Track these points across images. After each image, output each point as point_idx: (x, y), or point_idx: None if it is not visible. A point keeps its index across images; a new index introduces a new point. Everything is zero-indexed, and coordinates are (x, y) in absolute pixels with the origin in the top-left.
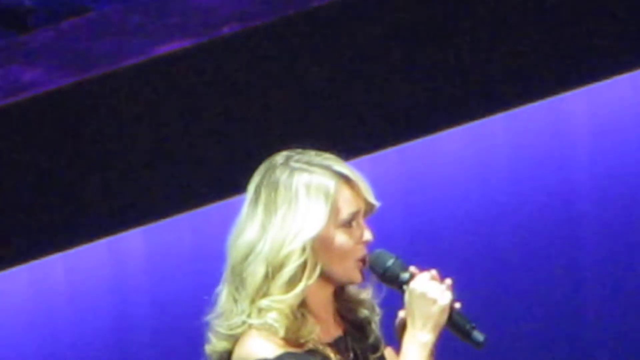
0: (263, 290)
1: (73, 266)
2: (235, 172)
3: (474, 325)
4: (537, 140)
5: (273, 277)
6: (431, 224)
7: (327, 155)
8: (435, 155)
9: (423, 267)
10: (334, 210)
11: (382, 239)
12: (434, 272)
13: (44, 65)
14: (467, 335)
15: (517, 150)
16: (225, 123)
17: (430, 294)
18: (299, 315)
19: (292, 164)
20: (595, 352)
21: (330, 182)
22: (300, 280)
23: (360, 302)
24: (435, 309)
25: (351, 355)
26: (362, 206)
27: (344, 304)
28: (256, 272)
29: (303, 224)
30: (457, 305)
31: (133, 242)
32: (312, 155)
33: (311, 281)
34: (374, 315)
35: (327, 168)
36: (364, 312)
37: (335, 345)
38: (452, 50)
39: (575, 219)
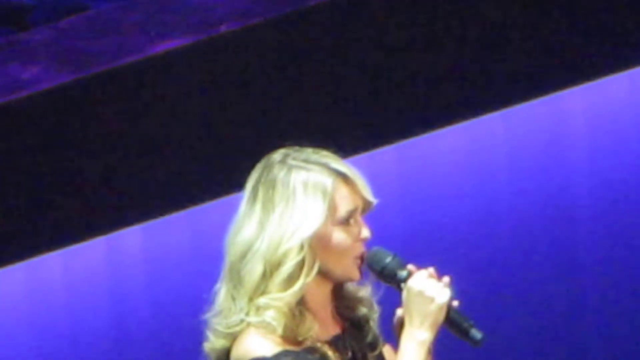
0: (261, 288)
1: (70, 264)
2: (233, 169)
3: (471, 323)
4: (535, 138)
5: (271, 275)
6: (429, 221)
7: (325, 152)
8: (432, 152)
9: (421, 264)
10: (332, 208)
11: (379, 237)
12: (431, 269)
13: (42, 63)
14: (465, 333)
15: (515, 147)
16: (223, 121)
17: (428, 291)
18: (297, 313)
19: (290, 161)
20: (595, 352)
21: (328, 180)
22: (298, 278)
23: (358, 300)
24: (433, 306)
25: (349, 353)
26: (360, 204)
27: (342, 301)
28: (254, 270)
29: (301, 221)
30: (455, 303)
31: (131, 239)
32: (310, 152)
33: (309, 279)
34: (372, 313)
35: (325, 165)
36: (363, 310)
37: (333, 343)
38: (451, 48)
39: (573, 217)
